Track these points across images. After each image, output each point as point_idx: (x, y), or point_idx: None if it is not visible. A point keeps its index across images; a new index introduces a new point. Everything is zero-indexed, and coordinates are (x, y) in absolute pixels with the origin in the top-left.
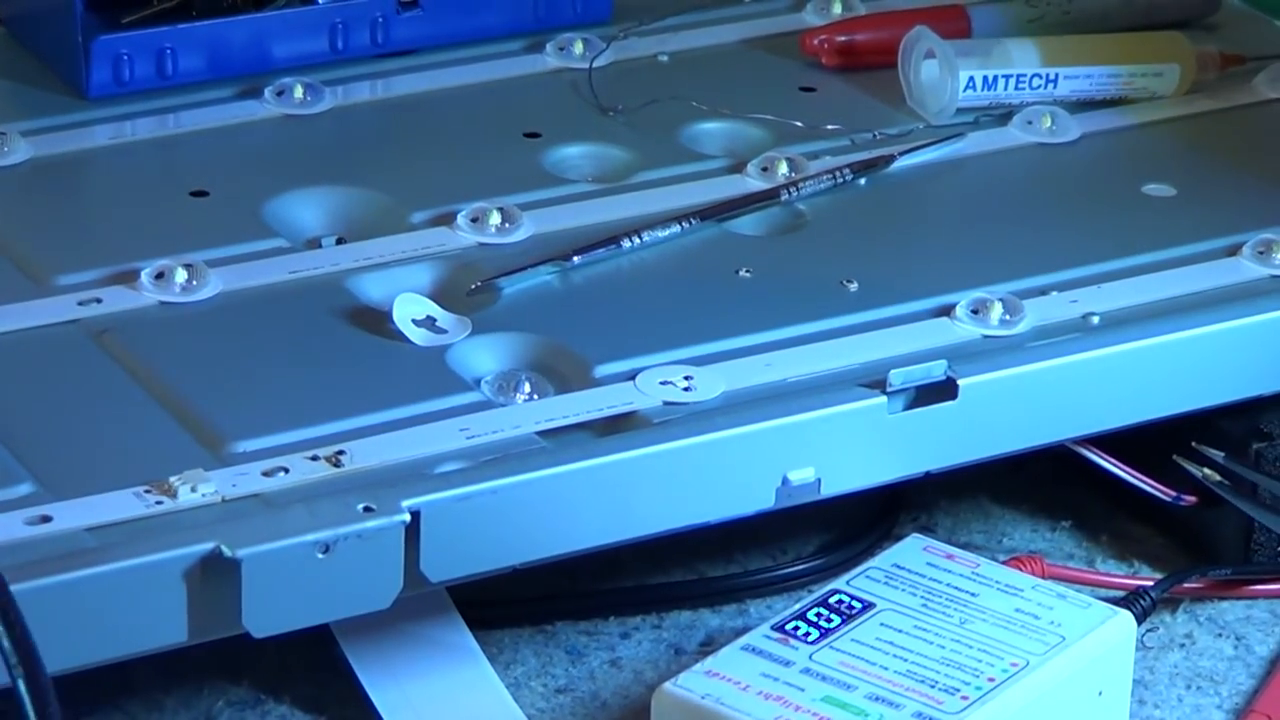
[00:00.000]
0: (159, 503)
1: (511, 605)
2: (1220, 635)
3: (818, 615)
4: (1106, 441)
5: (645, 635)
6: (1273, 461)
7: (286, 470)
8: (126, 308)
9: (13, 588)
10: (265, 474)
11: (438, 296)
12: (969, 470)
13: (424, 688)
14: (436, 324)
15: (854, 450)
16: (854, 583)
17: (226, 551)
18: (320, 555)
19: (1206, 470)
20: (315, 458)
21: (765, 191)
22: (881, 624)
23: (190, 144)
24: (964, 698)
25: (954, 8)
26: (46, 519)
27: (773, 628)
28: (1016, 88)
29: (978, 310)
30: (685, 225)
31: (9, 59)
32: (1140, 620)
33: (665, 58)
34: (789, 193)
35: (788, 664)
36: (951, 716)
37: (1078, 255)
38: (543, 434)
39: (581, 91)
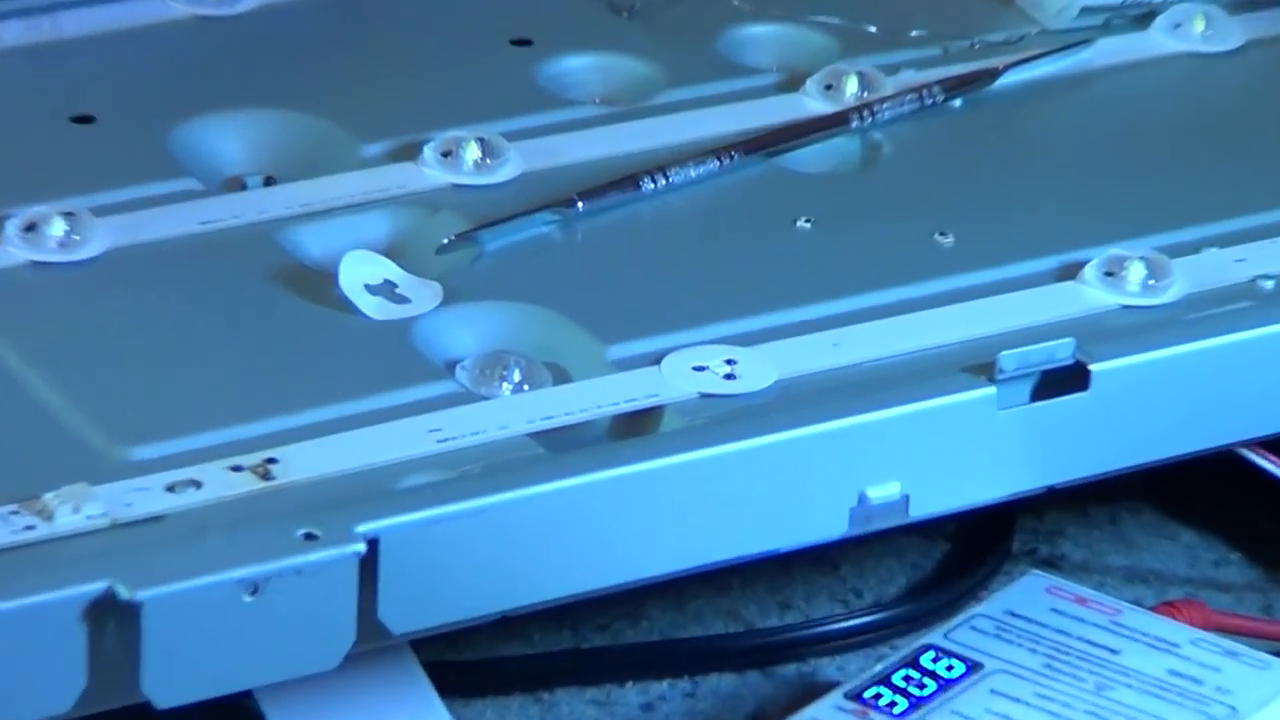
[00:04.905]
0: (29, 527)
1: (497, 666)
2: None
3: (906, 679)
4: None
5: (675, 706)
6: None
7: (199, 484)
8: None
9: None
10: (170, 489)
11: (398, 255)
12: (1104, 485)
13: None
14: (397, 290)
15: (952, 459)
16: (954, 636)
17: (122, 593)
18: (247, 598)
19: None
20: (238, 468)
21: (830, 116)
22: (992, 691)
23: (72, 54)
24: None
25: None
26: None
27: (846, 696)
28: None
29: (1113, 272)
30: (725, 160)
31: None
32: None
33: None
34: (861, 117)
35: None
36: None
37: (1243, 201)
38: (538, 436)
39: None
